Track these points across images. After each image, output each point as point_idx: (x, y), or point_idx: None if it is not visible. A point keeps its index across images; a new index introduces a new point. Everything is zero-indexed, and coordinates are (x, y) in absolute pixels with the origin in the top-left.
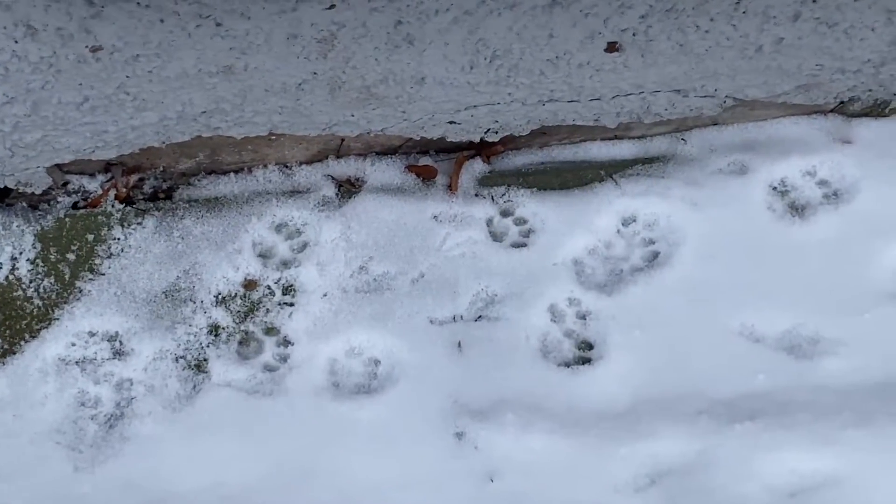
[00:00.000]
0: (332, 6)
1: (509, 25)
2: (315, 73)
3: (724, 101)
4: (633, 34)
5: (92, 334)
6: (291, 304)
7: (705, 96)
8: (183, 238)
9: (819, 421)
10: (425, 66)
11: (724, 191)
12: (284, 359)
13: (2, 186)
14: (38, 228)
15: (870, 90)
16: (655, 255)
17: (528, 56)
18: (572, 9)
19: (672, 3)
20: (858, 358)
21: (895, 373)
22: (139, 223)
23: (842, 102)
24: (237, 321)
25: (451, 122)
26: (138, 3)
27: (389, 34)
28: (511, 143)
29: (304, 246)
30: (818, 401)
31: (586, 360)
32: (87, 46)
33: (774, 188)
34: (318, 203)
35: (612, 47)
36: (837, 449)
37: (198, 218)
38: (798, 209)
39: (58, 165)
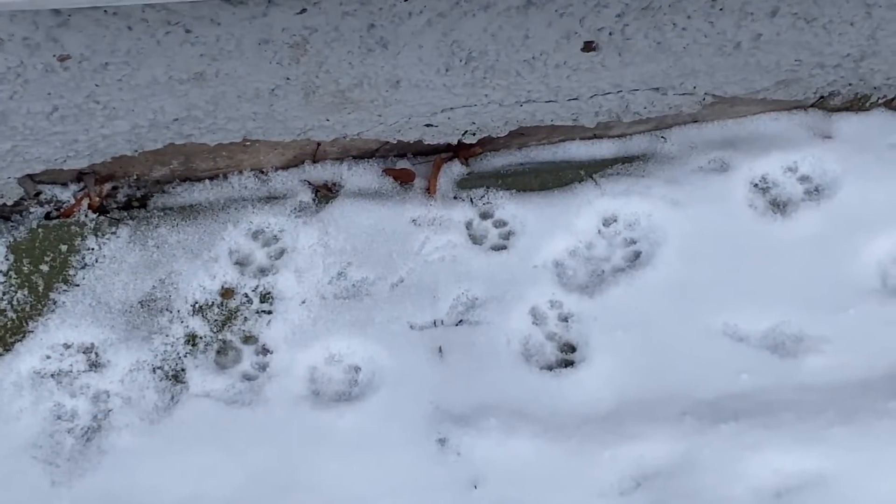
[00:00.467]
0: (304, 11)
1: (484, 27)
2: (288, 79)
3: (704, 99)
4: (610, 33)
5: (67, 346)
6: (269, 312)
7: (684, 94)
8: (158, 247)
9: (804, 420)
10: (400, 69)
11: (704, 189)
12: (263, 367)
13: None
14: (11, 240)
15: (850, 84)
16: (637, 255)
17: (504, 57)
18: (547, 9)
19: (648, 2)
20: (843, 355)
21: (880, 369)
22: (113, 232)
23: (822, 97)
24: (215, 330)
25: (427, 125)
26: (105, 11)
27: (362, 38)
28: (489, 144)
29: (282, 252)
30: (802, 399)
31: (569, 363)
32: (54, 55)
33: (756, 185)
34: (295, 209)
35: (588, 47)
36: (822, 448)
37: (173, 226)
38: (780, 206)
39: (29, 176)
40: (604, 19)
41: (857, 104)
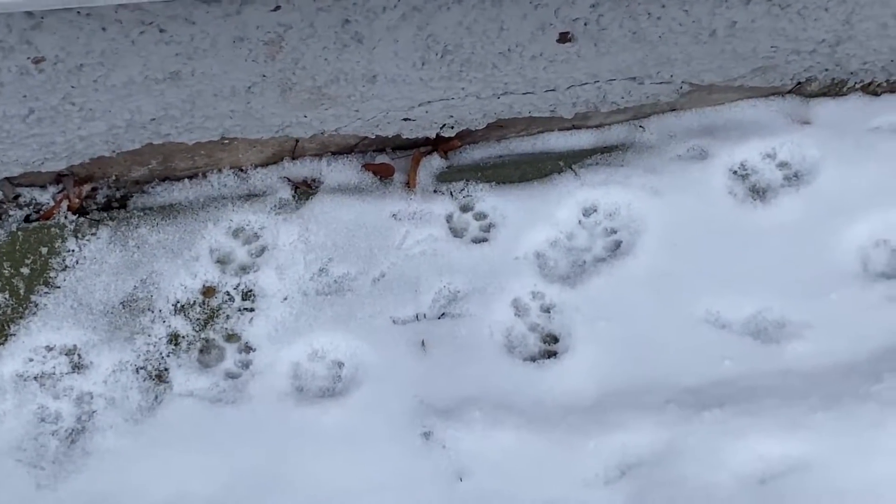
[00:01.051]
0: (278, 8)
1: (459, 20)
2: (264, 76)
3: (681, 87)
4: (585, 24)
5: (49, 349)
6: (251, 310)
7: (661, 83)
8: (138, 247)
9: (787, 406)
10: (376, 63)
11: (684, 177)
12: (246, 365)
13: None
14: None
15: (826, 70)
16: (618, 244)
17: (480, 50)
18: (522, 0)
19: None
20: (825, 340)
21: (862, 354)
22: (93, 234)
23: (799, 83)
24: (197, 329)
25: (405, 119)
26: (78, 13)
27: (337, 33)
28: (468, 137)
29: (262, 250)
30: (786, 385)
31: (552, 354)
32: (29, 58)
33: (735, 172)
34: (275, 206)
35: (564, 38)
36: (806, 433)
37: (153, 226)
38: (759, 192)
39: (7, 179)
40: (578, 10)
41: (835, 89)
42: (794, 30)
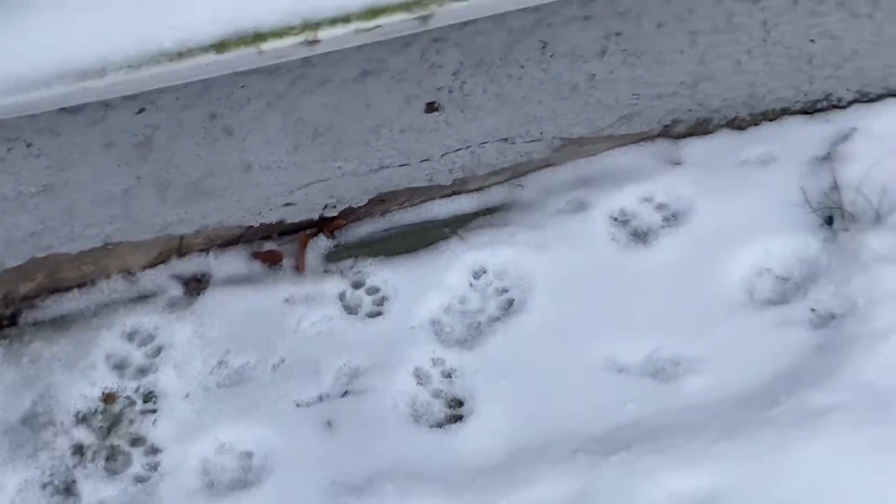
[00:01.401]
0: (142, 110)
1: (324, 102)
2: (139, 178)
3: (552, 143)
4: (449, 91)
5: None
6: (154, 411)
7: (532, 140)
8: (33, 362)
9: (691, 440)
10: (249, 153)
11: (566, 229)
12: (154, 467)
13: None
14: None
15: (690, 110)
16: (510, 302)
17: (350, 128)
18: (383, 77)
19: (480, 57)
20: (720, 372)
21: (757, 380)
22: None
23: (666, 126)
24: (101, 437)
25: (287, 205)
26: None
27: (206, 128)
28: (352, 215)
29: (159, 350)
30: (688, 421)
31: (458, 418)
32: None
33: (615, 219)
34: (167, 305)
35: (430, 107)
36: (711, 464)
37: (46, 339)
38: (641, 236)
39: None
40: (440, 79)
41: (701, 128)
42: (651, 76)
